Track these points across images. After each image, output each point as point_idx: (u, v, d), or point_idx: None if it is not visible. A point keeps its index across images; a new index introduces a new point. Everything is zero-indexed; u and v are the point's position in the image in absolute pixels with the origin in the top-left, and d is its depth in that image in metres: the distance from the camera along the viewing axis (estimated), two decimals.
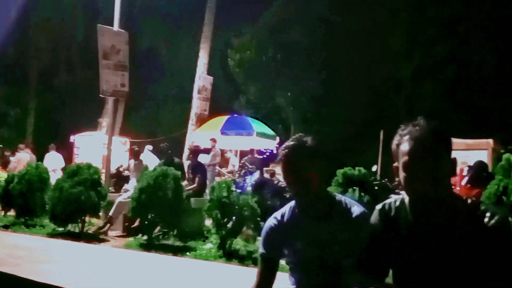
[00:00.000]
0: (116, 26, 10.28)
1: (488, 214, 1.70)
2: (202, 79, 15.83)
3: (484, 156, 10.13)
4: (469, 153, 9.89)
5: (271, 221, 2.27)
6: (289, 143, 2.17)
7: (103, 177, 9.21)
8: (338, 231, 2.10)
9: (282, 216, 2.25)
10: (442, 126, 1.75)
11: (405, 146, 1.70)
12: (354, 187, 5.82)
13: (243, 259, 6.35)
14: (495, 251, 1.64)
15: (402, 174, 1.72)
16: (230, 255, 6.50)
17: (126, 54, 10.19)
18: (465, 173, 6.65)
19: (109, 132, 10.56)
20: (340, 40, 18.38)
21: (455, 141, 11.09)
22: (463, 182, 6.50)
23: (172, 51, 23.33)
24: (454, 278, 1.71)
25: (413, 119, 1.80)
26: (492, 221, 1.68)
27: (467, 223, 1.72)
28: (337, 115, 18.65)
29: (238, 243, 6.93)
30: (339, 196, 2.24)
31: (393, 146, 1.77)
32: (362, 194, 5.76)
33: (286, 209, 2.26)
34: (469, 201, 1.78)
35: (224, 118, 14.08)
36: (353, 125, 17.64)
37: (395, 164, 1.76)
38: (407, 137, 1.70)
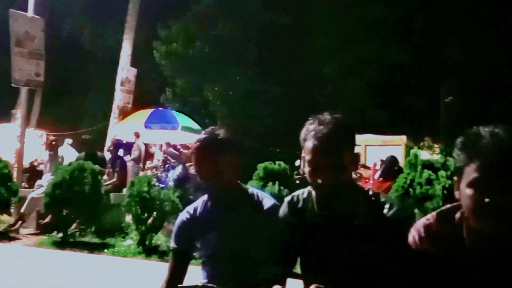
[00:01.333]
0: (31, 12, 9.69)
1: (387, 206, 1.79)
2: (125, 71, 15.38)
3: (399, 151, 10.69)
4: (385, 148, 10.41)
5: (183, 215, 2.26)
6: (202, 135, 2.16)
7: (16, 171, 8.66)
8: (249, 223, 2.12)
9: (195, 209, 2.24)
10: (347, 121, 1.79)
11: (308, 144, 1.74)
12: (275, 181, 5.93)
13: (164, 254, 6.25)
14: (390, 240, 1.73)
15: (306, 168, 1.77)
16: (150, 251, 6.38)
17: (42, 42, 9.65)
18: (378, 167, 7.00)
19: (22, 124, 9.94)
20: (268, 36, 18.60)
21: (373, 137, 11.69)
22: (376, 175, 6.84)
23: (96, 39, 22.41)
24: (355, 265, 1.79)
25: (321, 113, 1.84)
26: (390, 212, 1.78)
27: (367, 213, 1.80)
28: (264, 110, 18.88)
29: (160, 239, 6.81)
30: (251, 189, 2.27)
31: (301, 139, 1.81)
32: (282, 187, 5.88)
33: (199, 202, 2.27)
34: (370, 192, 1.86)
35: (148, 111, 13.76)
36: (279, 120, 17.94)
37: (303, 155, 1.80)
38: (311, 134, 1.74)
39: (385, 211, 1.78)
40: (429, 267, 1.62)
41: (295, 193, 1.98)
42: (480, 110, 15.69)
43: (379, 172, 6.79)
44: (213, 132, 2.15)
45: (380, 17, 16.82)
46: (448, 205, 1.70)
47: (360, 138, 11.61)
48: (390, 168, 6.60)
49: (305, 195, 1.93)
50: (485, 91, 17.03)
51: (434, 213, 1.72)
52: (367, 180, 7.12)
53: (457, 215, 1.62)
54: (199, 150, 2.11)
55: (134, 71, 15.73)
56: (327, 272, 1.82)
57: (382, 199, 1.82)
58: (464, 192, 1.50)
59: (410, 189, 4.79)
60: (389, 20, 16.79)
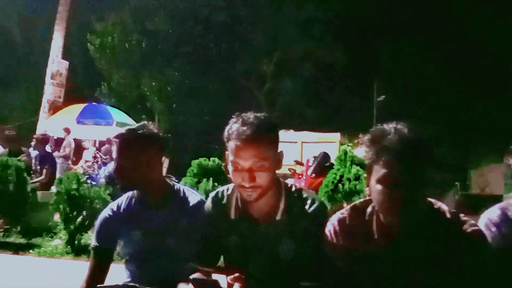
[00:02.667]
0: None
1: (308, 202, 1.83)
2: (56, 64, 14.76)
3: (333, 148, 10.95)
4: (320, 145, 10.64)
5: (106, 212, 2.22)
6: (125, 129, 2.12)
7: None
8: (174, 220, 2.10)
9: (118, 206, 2.19)
10: (270, 121, 1.81)
11: (232, 144, 1.74)
12: (209, 178, 5.89)
13: None
14: (311, 235, 1.77)
15: (230, 168, 1.77)
16: (79, 250, 6.17)
17: None
18: (311, 163, 7.16)
19: None
20: (205, 33, 18.55)
21: (309, 134, 11.89)
22: (309, 172, 7.00)
23: (26, 30, 21.33)
24: (276, 260, 1.82)
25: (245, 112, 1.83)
26: (312, 208, 1.81)
27: (289, 209, 1.83)
28: (203, 107, 18.80)
29: (90, 238, 6.59)
30: (177, 185, 2.24)
31: (224, 138, 1.80)
32: (216, 184, 5.85)
33: (123, 199, 2.22)
34: (293, 189, 1.89)
35: (81, 106, 13.33)
36: (218, 116, 17.93)
37: (227, 152, 1.79)
38: (234, 134, 1.74)
39: (306, 206, 1.82)
40: (345, 260, 1.67)
41: (220, 189, 1.99)
42: (410, 108, 16.44)
43: (311, 168, 6.96)
44: (138, 126, 2.12)
45: (313, 17, 17.25)
46: (361, 199, 1.77)
47: (296, 135, 11.85)
48: (322, 164, 6.78)
49: (229, 191, 1.93)
50: (415, 90, 17.87)
51: (348, 207, 1.78)
52: (300, 176, 7.28)
53: (369, 209, 1.68)
54: (120, 144, 2.07)
55: (65, 64, 15.14)
56: (250, 267, 1.84)
57: (304, 195, 1.86)
58: (374, 188, 1.55)
59: (340, 185, 4.95)
60: (322, 20, 17.25)
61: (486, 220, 1.66)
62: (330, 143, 11.24)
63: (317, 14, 17.14)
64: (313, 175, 6.82)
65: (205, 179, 5.90)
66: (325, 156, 7.09)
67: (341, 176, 5.01)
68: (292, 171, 7.59)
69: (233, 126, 1.75)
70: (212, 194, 1.98)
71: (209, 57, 18.63)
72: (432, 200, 1.64)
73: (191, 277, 1.62)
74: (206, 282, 1.63)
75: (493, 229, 1.62)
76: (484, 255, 1.55)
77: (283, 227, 1.81)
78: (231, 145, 1.74)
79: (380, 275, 1.62)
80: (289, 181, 2.10)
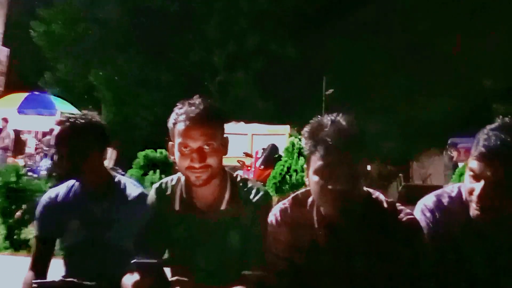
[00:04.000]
0: None
1: (253, 191, 1.82)
2: None
3: (283, 141, 11.05)
4: (270, 138, 10.71)
5: (44, 199, 2.14)
6: (64, 116, 2.07)
7: None
8: (114, 211, 2.05)
9: (57, 194, 2.13)
10: (216, 106, 1.80)
11: (180, 126, 1.70)
12: (156, 169, 5.82)
13: None
14: (255, 224, 1.76)
15: (176, 154, 1.73)
16: (18, 245, 5.94)
17: None
18: (260, 155, 7.21)
19: None
20: (157, 22, 18.21)
21: (259, 126, 11.94)
22: (257, 163, 7.04)
23: None
24: (221, 252, 1.80)
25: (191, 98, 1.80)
26: (256, 198, 1.81)
27: (234, 199, 1.81)
28: (154, 98, 18.49)
29: (30, 232, 6.35)
30: (118, 176, 2.20)
31: (170, 124, 1.75)
32: (163, 176, 5.79)
33: (63, 187, 2.15)
34: (238, 178, 1.88)
35: (23, 95, 12.79)
36: (169, 108, 17.68)
37: (171, 143, 1.75)
38: (182, 116, 1.70)
39: (251, 196, 1.81)
40: (286, 249, 1.68)
41: (164, 180, 1.95)
42: (357, 103, 16.85)
43: (260, 160, 7.00)
44: (74, 115, 2.06)
45: (265, 10, 17.35)
46: (302, 190, 1.78)
47: (247, 127, 11.88)
48: (270, 156, 6.84)
49: (173, 182, 1.90)
50: (363, 85, 18.35)
51: (289, 197, 1.79)
52: (249, 168, 7.30)
53: (310, 199, 1.69)
54: (57, 132, 2.01)
55: (6, 51, 14.49)
56: (195, 258, 1.82)
57: (249, 185, 1.85)
58: (311, 179, 1.57)
59: (287, 176, 5.01)
60: (275, 14, 17.37)
61: (422, 206, 1.72)
62: (280, 135, 11.34)
63: (270, 7, 17.23)
64: (262, 166, 6.86)
65: (151, 171, 5.82)
66: (274, 148, 7.15)
67: (289, 168, 5.07)
68: (241, 163, 7.60)
69: (180, 111, 1.73)
70: (155, 185, 1.94)
71: (161, 48, 18.29)
72: (370, 190, 1.67)
73: (134, 261, 1.57)
74: (151, 265, 1.59)
75: (428, 214, 1.68)
76: (419, 242, 1.60)
77: (228, 217, 1.80)
78: (179, 127, 1.70)
79: (321, 265, 1.64)
80: (239, 173, 2.09)
